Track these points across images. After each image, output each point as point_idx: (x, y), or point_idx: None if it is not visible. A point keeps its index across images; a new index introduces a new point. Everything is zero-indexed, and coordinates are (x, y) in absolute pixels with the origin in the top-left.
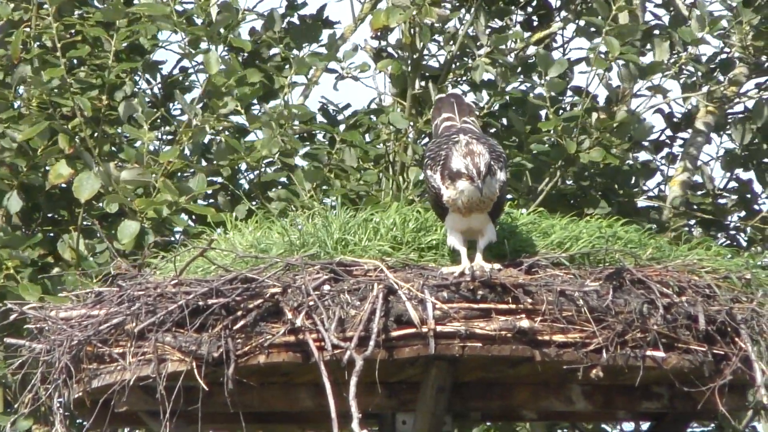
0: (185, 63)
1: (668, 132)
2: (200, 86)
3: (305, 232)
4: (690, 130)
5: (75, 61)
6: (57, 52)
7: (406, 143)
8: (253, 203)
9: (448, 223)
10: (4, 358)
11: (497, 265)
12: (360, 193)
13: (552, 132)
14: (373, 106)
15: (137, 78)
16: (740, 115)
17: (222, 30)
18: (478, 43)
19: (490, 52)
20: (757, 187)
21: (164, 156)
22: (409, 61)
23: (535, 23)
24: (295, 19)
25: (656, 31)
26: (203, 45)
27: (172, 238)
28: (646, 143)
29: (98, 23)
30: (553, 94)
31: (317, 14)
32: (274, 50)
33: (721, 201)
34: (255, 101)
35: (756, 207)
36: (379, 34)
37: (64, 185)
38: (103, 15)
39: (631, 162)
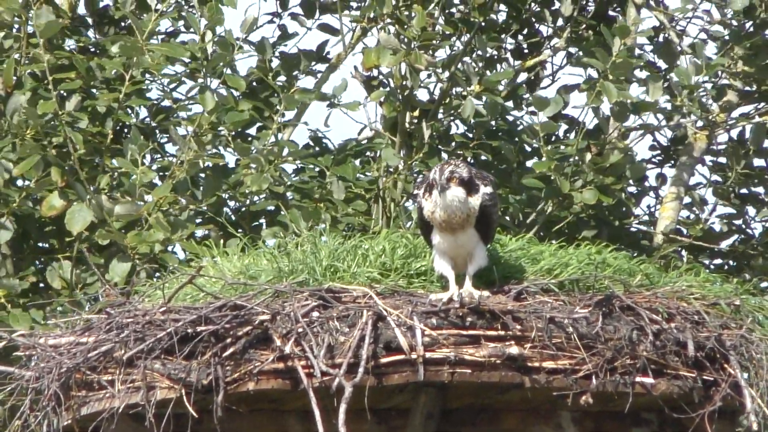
0: (176, 94)
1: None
2: (188, 120)
3: (294, 258)
4: (683, 158)
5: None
6: (49, 85)
7: (397, 179)
8: (239, 230)
9: (435, 245)
10: None
11: (486, 292)
12: (348, 225)
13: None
14: (366, 132)
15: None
16: (731, 143)
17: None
18: (471, 87)
19: (481, 91)
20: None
21: (157, 192)
22: (399, 97)
23: (525, 51)
24: (293, 50)
25: (641, 63)
26: (199, 80)
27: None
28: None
29: (89, 51)
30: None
31: (317, 51)
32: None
33: (714, 227)
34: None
35: (749, 231)
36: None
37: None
38: (120, 51)
39: (623, 196)
